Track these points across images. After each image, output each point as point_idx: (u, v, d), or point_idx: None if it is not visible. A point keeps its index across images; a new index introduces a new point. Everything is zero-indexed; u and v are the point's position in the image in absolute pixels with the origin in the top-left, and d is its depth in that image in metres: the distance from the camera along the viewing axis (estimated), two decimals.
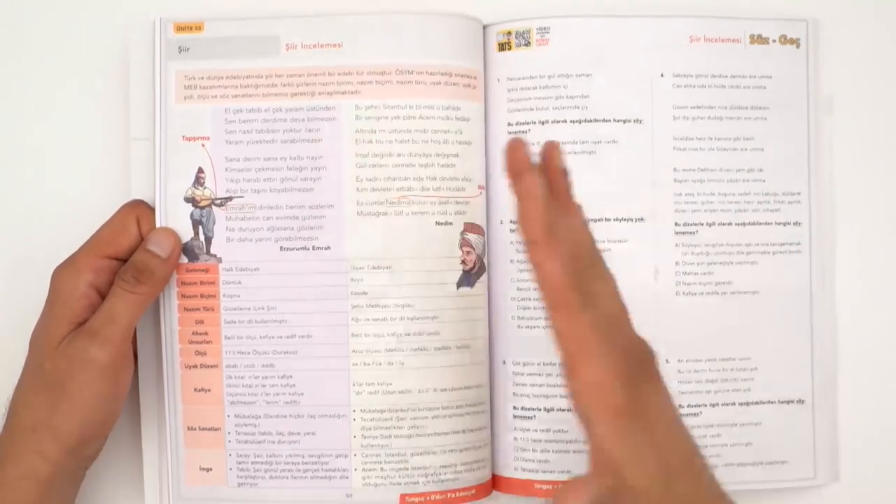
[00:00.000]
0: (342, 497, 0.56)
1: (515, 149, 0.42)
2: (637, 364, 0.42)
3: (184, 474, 0.57)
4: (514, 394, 0.58)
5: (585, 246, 0.43)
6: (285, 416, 0.56)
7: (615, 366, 0.41)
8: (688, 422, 0.56)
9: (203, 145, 0.56)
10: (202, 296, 0.56)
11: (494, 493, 0.58)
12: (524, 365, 0.57)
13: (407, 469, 0.56)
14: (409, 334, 0.56)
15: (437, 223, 0.56)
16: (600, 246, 0.56)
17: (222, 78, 0.56)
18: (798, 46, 0.58)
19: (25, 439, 0.51)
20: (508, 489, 0.58)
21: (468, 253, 0.57)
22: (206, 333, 0.56)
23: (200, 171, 0.56)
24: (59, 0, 0.60)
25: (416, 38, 0.56)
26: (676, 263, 0.57)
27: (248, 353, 0.56)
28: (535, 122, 0.57)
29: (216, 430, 0.56)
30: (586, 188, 0.56)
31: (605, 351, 0.41)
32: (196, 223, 0.56)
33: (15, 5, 0.60)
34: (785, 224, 0.58)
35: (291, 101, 0.56)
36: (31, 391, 0.52)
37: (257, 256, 0.56)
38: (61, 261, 0.54)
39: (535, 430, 0.57)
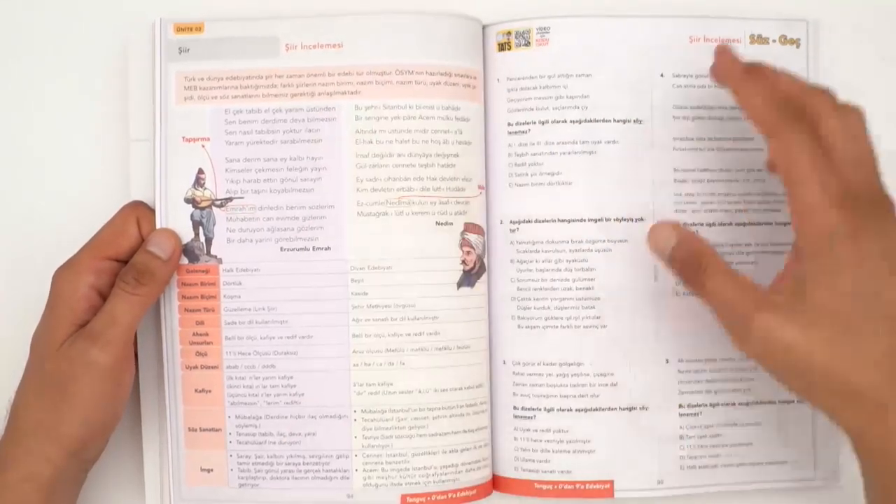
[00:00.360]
0: (343, 498, 0.56)
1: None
2: (866, 202, 0.45)
3: (184, 475, 0.57)
4: (514, 394, 0.58)
5: (796, 86, 0.49)
6: (286, 417, 0.56)
7: (834, 192, 0.45)
8: (688, 422, 0.57)
9: (203, 146, 0.56)
10: (203, 297, 0.56)
11: (495, 493, 0.58)
12: (524, 365, 0.57)
13: (408, 469, 0.56)
14: (409, 334, 0.56)
15: (438, 223, 0.56)
16: (601, 246, 0.57)
17: (222, 79, 0.56)
18: (798, 47, 0.58)
19: (27, 442, 0.51)
20: (509, 489, 0.58)
21: (468, 253, 0.57)
22: (207, 334, 0.56)
23: (201, 171, 0.56)
24: (59, 1, 0.60)
25: (416, 39, 0.56)
26: None
27: (249, 353, 0.56)
28: (535, 122, 0.57)
29: (217, 430, 0.56)
30: (586, 188, 0.57)
31: (823, 178, 0.45)
32: (196, 224, 0.56)
33: (15, 5, 0.60)
34: (785, 224, 0.58)
35: (291, 102, 0.56)
36: (32, 393, 0.52)
37: (258, 257, 0.56)
38: (61, 262, 0.54)
39: (535, 430, 0.57)
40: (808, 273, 0.45)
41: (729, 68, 0.50)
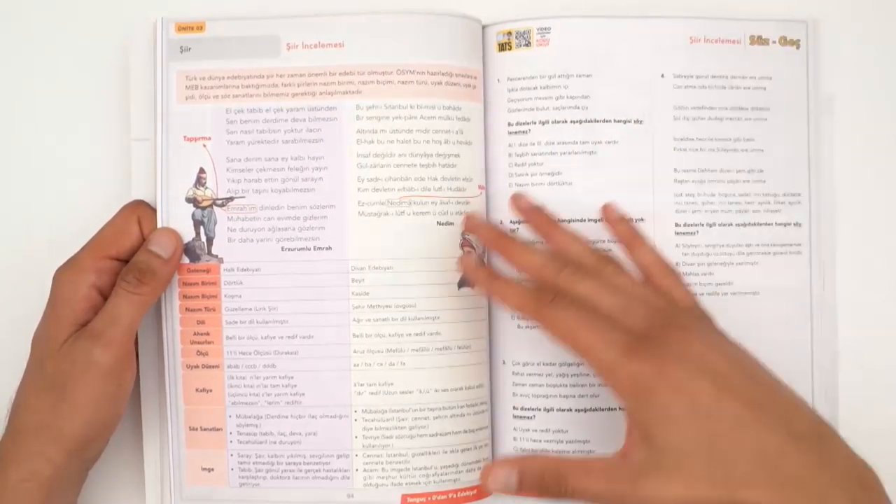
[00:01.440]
0: (344, 497, 0.56)
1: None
2: (657, 336, 0.46)
3: (185, 475, 0.57)
4: (514, 394, 0.58)
5: (538, 261, 0.51)
6: (287, 417, 0.56)
7: (621, 344, 0.45)
8: None
9: (204, 145, 0.56)
10: (203, 296, 0.56)
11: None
12: (524, 365, 0.57)
13: (408, 469, 0.56)
14: (410, 334, 0.56)
15: (439, 223, 0.56)
16: (601, 246, 0.57)
17: (223, 78, 0.56)
18: (798, 47, 0.58)
19: (27, 441, 0.51)
20: None
21: (469, 253, 0.57)
22: (208, 334, 0.56)
23: (202, 171, 0.56)
24: (59, 0, 0.60)
25: (417, 38, 0.56)
26: (677, 264, 0.57)
27: (250, 353, 0.56)
28: (535, 123, 0.57)
29: (218, 430, 0.56)
30: (586, 188, 0.57)
31: (605, 337, 0.46)
32: (197, 223, 0.56)
33: (15, 5, 0.60)
34: (785, 225, 0.58)
35: (293, 102, 0.56)
36: (32, 393, 0.52)
37: (259, 257, 0.56)
38: (62, 261, 0.54)
39: (535, 430, 0.57)
40: (648, 425, 0.44)
41: (475, 278, 0.53)
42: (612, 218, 0.55)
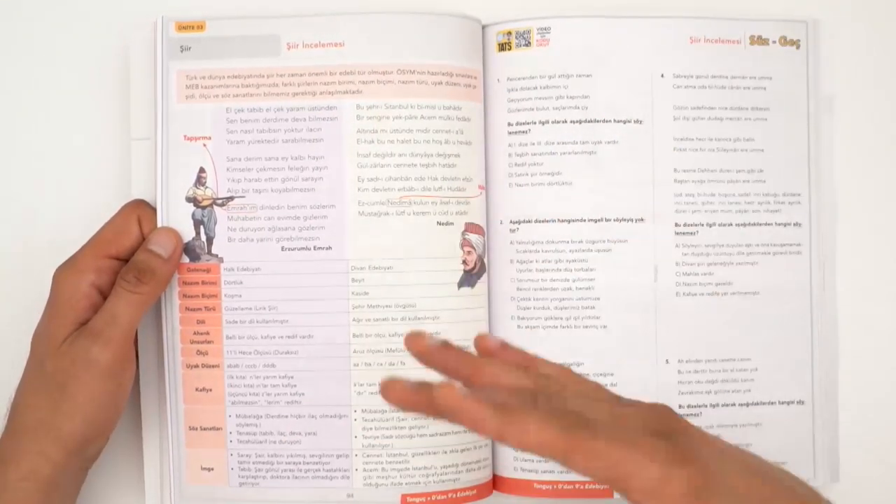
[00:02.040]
0: (343, 497, 0.56)
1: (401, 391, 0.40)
2: (663, 443, 0.39)
3: (185, 474, 0.57)
4: None
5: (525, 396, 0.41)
6: (286, 416, 0.56)
7: (650, 455, 0.38)
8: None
9: (204, 145, 0.56)
10: (203, 296, 0.56)
11: (495, 493, 0.58)
12: None
13: (408, 469, 0.56)
14: None
15: (439, 223, 0.56)
16: (601, 246, 0.57)
17: (224, 77, 0.56)
18: (798, 47, 0.58)
19: (27, 440, 0.51)
20: (508, 489, 0.58)
21: (469, 253, 0.57)
22: (208, 333, 0.56)
23: (202, 170, 0.56)
24: (59, 0, 0.60)
25: (417, 38, 0.56)
26: (676, 264, 0.57)
27: (250, 352, 0.56)
28: (535, 122, 0.57)
29: (217, 429, 0.56)
30: (586, 188, 0.57)
31: (636, 457, 0.38)
32: (197, 223, 0.56)
33: (15, 5, 0.60)
34: (785, 225, 0.58)
35: (293, 101, 0.56)
36: (32, 392, 0.52)
37: (259, 256, 0.56)
38: (62, 261, 0.54)
39: None
40: None
41: (468, 412, 0.39)
42: (492, 347, 0.46)
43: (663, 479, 0.37)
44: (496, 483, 0.58)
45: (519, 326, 0.57)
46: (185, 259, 0.56)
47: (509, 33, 0.58)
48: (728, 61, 0.58)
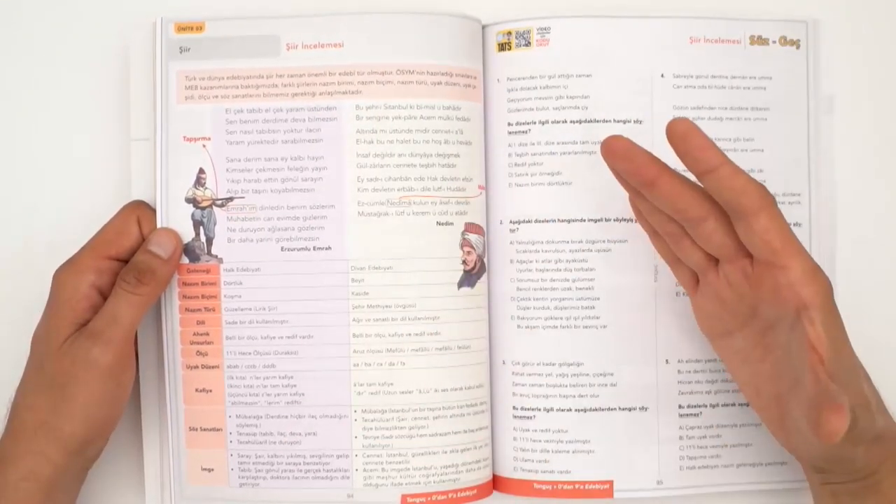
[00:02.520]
0: (344, 497, 0.56)
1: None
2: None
3: (185, 474, 0.57)
4: (514, 394, 0.58)
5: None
6: (286, 417, 0.56)
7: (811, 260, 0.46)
8: (688, 422, 0.57)
9: (204, 146, 0.56)
10: (203, 296, 0.56)
11: (495, 493, 0.58)
12: (524, 365, 0.57)
13: (408, 469, 0.56)
14: (409, 334, 0.56)
15: (438, 223, 0.56)
16: (601, 246, 0.57)
17: (223, 78, 0.56)
18: (798, 47, 0.58)
19: (27, 440, 0.51)
20: (508, 489, 0.58)
21: (469, 253, 0.57)
22: (208, 334, 0.56)
23: (201, 171, 0.56)
24: (59, 1, 0.60)
25: (417, 38, 0.56)
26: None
27: (250, 353, 0.56)
28: (535, 123, 0.57)
29: (218, 430, 0.56)
30: (586, 188, 0.57)
31: (801, 247, 0.46)
32: (197, 224, 0.56)
33: (15, 5, 0.60)
34: None
35: (292, 102, 0.56)
36: (32, 392, 0.52)
37: (258, 257, 0.56)
38: (61, 261, 0.54)
39: (535, 430, 0.57)
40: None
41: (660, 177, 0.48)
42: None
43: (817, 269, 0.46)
44: (496, 483, 0.58)
45: (519, 326, 0.58)
46: (185, 260, 0.56)
47: (509, 33, 0.58)
48: (728, 61, 0.58)
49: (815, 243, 0.58)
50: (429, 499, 0.56)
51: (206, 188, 0.56)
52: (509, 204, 0.58)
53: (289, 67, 0.56)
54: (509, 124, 0.58)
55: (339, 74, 0.56)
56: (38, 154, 0.60)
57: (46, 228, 0.59)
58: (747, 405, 0.58)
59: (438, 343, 0.56)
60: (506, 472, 0.58)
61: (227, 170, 0.56)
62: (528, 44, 0.57)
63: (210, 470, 0.57)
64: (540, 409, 0.57)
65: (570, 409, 0.57)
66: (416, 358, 0.56)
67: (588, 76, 0.57)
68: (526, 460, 0.58)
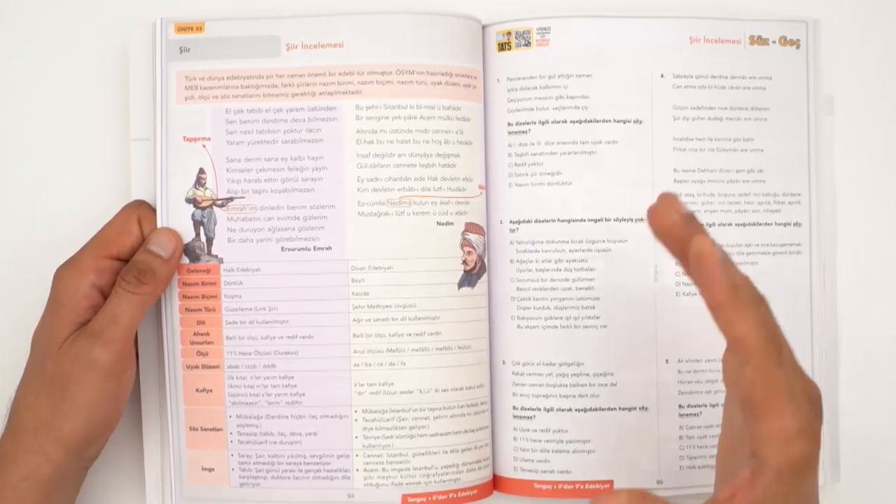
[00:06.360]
0: (344, 497, 0.56)
1: (665, 211, 0.42)
2: (815, 415, 0.41)
3: (186, 474, 0.57)
4: (514, 394, 0.58)
5: (757, 293, 0.42)
6: (287, 417, 0.56)
7: (804, 421, 0.40)
8: (687, 422, 0.57)
9: (204, 146, 0.56)
10: (203, 296, 0.56)
11: (495, 493, 0.58)
12: (524, 365, 0.58)
13: (408, 469, 0.56)
14: (410, 334, 0.56)
15: (438, 223, 0.56)
16: (601, 246, 0.57)
17: (223, 78, 0.56)
18: (798, 47, 0.58)
19: (27, 440, 0.51)
20: (509, 489, 0.58)
21: (469, 253, 0.57)
22: (208, 334, 0.56)
23: (201, 171, 0.56)
24: (59, 1, 0.60)
25: (417, 39, 0.56)
26: (676, 263, 0.57)
27: (250, 353, 0.56)
28: (535, 123, 0.57)
29: (218, 430, 0.56)
30: (586, 188, 0.57)
31: (793, 408, 0.40)
32: (197, 224, 0.56)
33: (15, 6, 0.60)
34: (785, 225, 0.58)
35: (292, 102, 0.56)
36: (32, 392, 0.52)
37: (258, 257, 0.56)
38: (62, 261, 0.54)
39: (535, 430, 0.57)
40: None
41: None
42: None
43: (791, 435, 0.39)
44: (496, 483, 0.58)
45: (519, 326, 0.58)
46: (185, 260, 0.56)
47: (509, 33, 0.58)
48: (728, 61, 0.58)
49: (815, 243, 0.58)
50: (429, 499, 0.56)
51: (207, 188, 0.56)
52: (509, 204, 0.58)
53: (289, 67, 0.56)
54: (509, 124, 0.58)
55: (339, 74, 0.56)
56: (39, 154, 0.60)
57: (46, 228, 0.59)
58: None
59: (439, 343, 0.56)
60: (506, 472, 0.58)
61: (227, 170, 0.56)
62: (527, 44, 0.57)
63: (210, 470, 0.57)
64: (540, 409, 0.57)
65: (570, 409, 0.57)
66: (416, 358, 0.56)
67: (588, 76, 0.57)
68: (526, 460, 0.58)
